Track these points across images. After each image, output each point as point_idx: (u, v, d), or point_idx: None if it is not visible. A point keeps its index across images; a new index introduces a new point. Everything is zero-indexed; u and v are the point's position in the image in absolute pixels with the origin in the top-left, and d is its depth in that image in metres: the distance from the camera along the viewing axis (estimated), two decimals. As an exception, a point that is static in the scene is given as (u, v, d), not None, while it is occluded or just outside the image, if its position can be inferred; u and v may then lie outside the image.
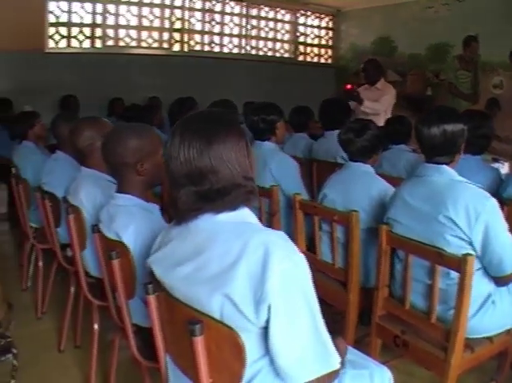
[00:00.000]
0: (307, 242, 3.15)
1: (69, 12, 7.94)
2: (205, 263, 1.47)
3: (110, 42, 8.29)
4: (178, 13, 8.84)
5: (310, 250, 3.11)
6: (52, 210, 3.28)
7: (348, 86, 6.11)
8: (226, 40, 9.49)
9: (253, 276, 1.37)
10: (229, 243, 1.44)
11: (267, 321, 1.39)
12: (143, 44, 8.57)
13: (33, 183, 3.96)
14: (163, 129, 5.48)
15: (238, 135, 1.53)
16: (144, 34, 8.59)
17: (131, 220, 2.16)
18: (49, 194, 3.33)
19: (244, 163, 1.52)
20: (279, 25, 10.11)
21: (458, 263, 2.14)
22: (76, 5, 7.98)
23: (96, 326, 2.89)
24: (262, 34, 9.91)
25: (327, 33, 10.69)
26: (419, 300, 2.47)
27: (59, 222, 3.33)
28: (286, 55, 10.27)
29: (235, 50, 9.60)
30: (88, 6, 8.04)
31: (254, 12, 9.69)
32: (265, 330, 1.42)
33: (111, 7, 8.21)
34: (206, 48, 9.29)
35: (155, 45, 8.69)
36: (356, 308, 2.84)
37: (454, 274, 2.25)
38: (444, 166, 2.43)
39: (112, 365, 2.71)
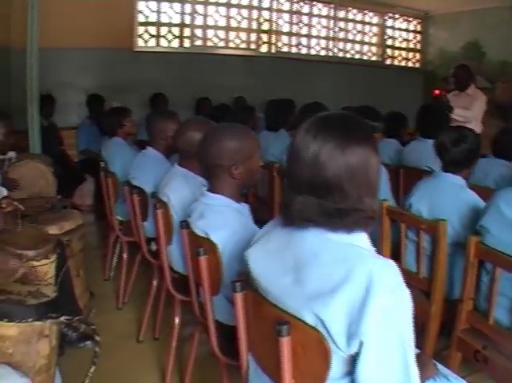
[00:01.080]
0: (392, 249, 3.07)
1: (158, 12, 8.13)
2: (305, 280, 1.41)
3: (198, 42, 8.42)
4: (266, 14, 8.88)
5: (394, 257, 3.05)
6: (139, 204, 3.37)
7: (437, 92, 5.96)
8: (313, 42, 9.42)
9: (351, 307, 1.30)
10: (333, 266, 1.36)
11: (356, 354, 1.33)
12: (231, 44, 8.66)
13: (121, 178, 4.09)
14: (257, 131, 5.43)
15: (374, 150, 1.44)
16: (232, 35, 8.68)
17: (222, 222, 2.16)
18: (137, 188, 3.43)
19: (374, 182, 1.45)
20: (367, 27, 9.97)
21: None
22: (165, 5, 8.16)
23: (177, 320, 2.95)
24: (350, 37, 9.79)
25: (415, 37, 10.45)
26: (504, 315, 2.40)
27: (145, 216, 3.42)
28: (374, 58, 10.10)
29: (322, 52, 9.51)
30: (177, 6, 8.20)
31: (341, 14, 9.59)
32: (353, 357, 1.36)
33: (199, 7, 8.34)
34: (294, 49, 9.26)
35: (243, 45, 8.76)
36: (438, 320, 2.74)
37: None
38: None
39: (190, 358, 2.76)
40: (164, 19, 8.19)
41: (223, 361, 2.23)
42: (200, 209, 2.28)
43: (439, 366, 1.80)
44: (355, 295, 1.30)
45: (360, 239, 1.43)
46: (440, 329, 2.80)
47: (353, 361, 1.35)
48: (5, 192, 2.66)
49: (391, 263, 1.36)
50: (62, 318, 1.98)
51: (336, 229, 1.40)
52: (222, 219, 2.18)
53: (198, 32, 8.41)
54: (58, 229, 3.23)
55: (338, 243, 1.40)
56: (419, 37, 10.45)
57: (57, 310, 1.96)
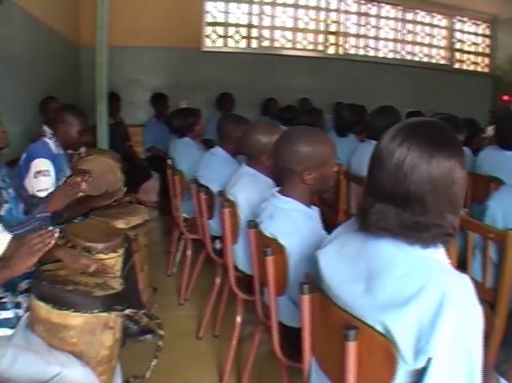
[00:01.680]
0: (459, 257, 3.00)
1: (226, 12, 8.24)
2: (376, 290, 1.39)
3: (265, 43, 8.48)
4: (333, 15, 8.85)
5: (461, 266, 2.97)
6: (205, 202, 3.40)
7: (505, 98, 5.79)
8: (381, 44, 9.34)
9: (422, 322, 1.27)
10: (406, 279, 1.32)
11: (423, 368, 1.29)
12: (298, 46, 8.67)
13: (188, 176, 4.13)
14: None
15: (461, 163, 1.37)
16: (299, 36, 8.68)
17: (291, 228, 2.14)
18: (204, 187, 3.46)
19: (458, 198, 1.39)
20: (435, 30, 9.79)
21: None
22: (232, 6, 8.27)
23: (238, 319, 2.96)
24: (418, 39, 9.65)
25: (483, 41, 10.21)
26: None
27: (211, 214, 3.46)
28: (442, 61, 9.90)
29: (390, 55, 9.42)
30: (245, 7, 8.29)
31: (409, 16, 9.47)
32: (418, 370, 1.32)
33: (267, 8, 8.40)
34: (361, 51, 9.20)
35: (310, 47, 8.75)
36: (501, 333, 2.64)
37: None
38: None
39: (250, 358, 2.76)
40: (232, 20, 8.30)
41: (284, 363, 2.22)
42: (270, 210, 2.27)
43: (501, 381, 1.72)
44: (427, 310, 1.27)
45: (436, 253, 1.38)
46: (502, 341, 2.71)
47: (419, 374, 1.32)
48: (84, 185, 2.71)
49: (466, 279, 1.31)
50: (127, 311, 2.00)
51: (412, 242, 1.35)
52: (291, 225, 2.16)
53: (266, 33, 8.46)
54: (125, 224, 3.28)
55: (413, 256, 1.36)
56: (487, 41, 10.20)
57: (122, 303, 1.98)
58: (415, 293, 1.29)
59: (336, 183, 4.16)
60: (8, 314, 2.09)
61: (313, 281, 1.68)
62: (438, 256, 1.38)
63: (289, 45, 8.61)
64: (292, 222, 2.16)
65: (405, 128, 1.40)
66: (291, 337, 2.17)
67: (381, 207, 1.38)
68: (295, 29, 8.64)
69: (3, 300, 2.11)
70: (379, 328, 1.35)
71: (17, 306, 2.15)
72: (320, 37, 8.83)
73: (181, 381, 3.04)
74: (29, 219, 2.65)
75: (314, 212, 2.26)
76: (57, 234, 1.97)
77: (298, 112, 5.88)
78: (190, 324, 3.70)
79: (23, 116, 4.35)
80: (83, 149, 4.46)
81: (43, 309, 1.90)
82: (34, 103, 4.79)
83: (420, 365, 1.29)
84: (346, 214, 3.77)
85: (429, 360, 1.27)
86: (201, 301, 3.92)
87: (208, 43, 8.17)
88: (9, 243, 2.28)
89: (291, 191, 2.22)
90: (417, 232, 1.34)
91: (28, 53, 4.48)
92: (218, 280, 3.49)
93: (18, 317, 2.11)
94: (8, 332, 2.04)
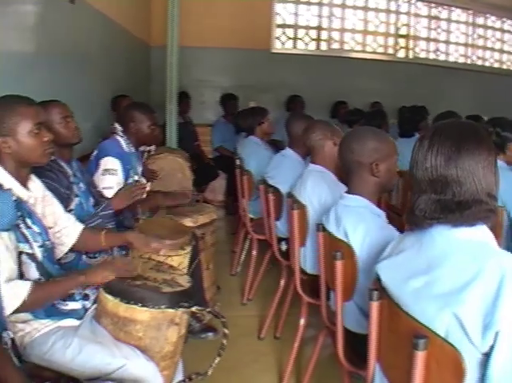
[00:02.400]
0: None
1: (296, 14, 8.20)
2: (437, 280, 1.43)
3: (335, 45, 8.38)
4: (403, 18, 8.67)
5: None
6: (274, 203, 3.38)
7: None
8: (451, 48, 9.08)
9: (485, 300, 1.31)
10: (464, 264, 1.38)
11: (491, 347, 1.31)
12: (368, 48, 8.54)
13: (255, 176, 4.14)
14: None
15: (489, 149, 1.48)
16: (369, 39, 8.56)
17: (360, 220, 2.16)
18: (272, 187, 3.44)
19: (490, 179, 1.47)
20: (506, 35, 9.44)
21: None
22: (302, 8, 8.21)
23: (302, 321, 2.94)
24: (489, 44, 9.34)
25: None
26: None
27: (279, 215, 3.44)
28: (514, 68, 9.53)
29: (461, 60, 9.14)
30: (314, 9, 8.22)
31: (480, 21, 9.17)
32: (485, 357, 1.33)
33: (337, 11, 8.30)
34: (432, 56, 8.98)
35: (380, 50, 8.61)
36: None
37: None
38: None
39: (311, 361, 2.73)
40: (302, 22, 8.24)
41: (347, 369, 2.19)
42: (339, 211, 2.28)
43: None
44: (489, 288, 1.32)
45: (484, 235, 1.46)
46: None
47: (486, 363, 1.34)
48: (148, 186, 2.77)
49: None
50: (194, 308, 2.00)
51: (458, 223, 1.44)
52: (359, 219, 2.18)
53: (336, 35, 8.37)
54: (193, 222, 3.31)
55: (465, 242, 1.44)
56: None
57: (189, 300, 1.99)
58: (474, 275, 1.34)
59: (403, 187, 4.10)
60: (76, 305, 2.13)
61: (382, 287, 1.66)
62: (484, 234, 1.46)
63: (358, 47, 8.49)
64: (360, 217, 2.18)
65: (432, 130, 1.54)
66: (355, 343, 2.17)
67: (424, 197, 1.49)
68: (365, 32, 8.51)
69: (72, 291, 2.14)
70: (446, 316, 1.37)
71: (85, 297, 2.19)
72: (390, 40, 8.67)
73: (240, 380, 3.04)
74: (92, 216, 2.71)
75: (382, 213, 2.28)
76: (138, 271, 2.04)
77: (365, 114, 5.82)
78: (252, 324, 3.70)
79: (94, 112, 4.44)
80: (152, 147, 4.52)
81: (111, 302, 1.92)
82: (105, 100, 4.89)
83: (489, 343, 1.31)
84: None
85: (497, 334, 1.29)
86: (264, 301, 3.93)
87: (278, 45, 8.15)
88: (80, 233, 2.35)
89: (359, 187, 2.26)
90: (460, 212, 1.43)
91: (100, 51, 4.57)
92: (282, 282, 3.47)
93: (85, 309, 2.16)
94: (75, 323, 2.09)
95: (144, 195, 3.18)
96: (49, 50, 3.20)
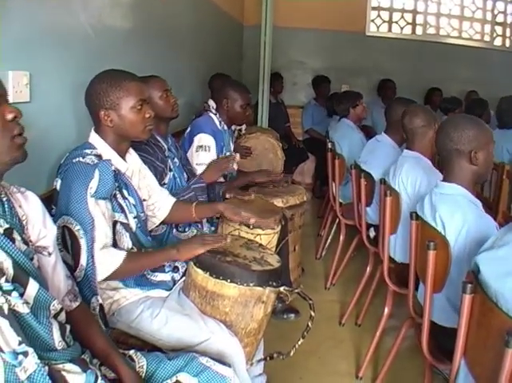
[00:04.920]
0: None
1: (391, -3, 7.98)
2: None
3: (431, 30, 8.10)
4: (500, 5, 8.23)
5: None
6: (365, 188, 3.33)
7: None
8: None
9: None
10: None
11: None
12: (464, 35, 8.20)
13: (347, 160, 4.09)
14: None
15: None
16: (466, 25, 8.20)
17: (457, 208, 2.10)
18: (365, 172, 3.38)
19: None
20: None
21: None
22: (397, -10, 7.97)
23: (386, 311, 2.90)
24: None
25: None
26: None
27: (370, 201, 3.39)
28: None
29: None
30: (410, -8, 7.97)
31: None
32: None
33: (432, -6, 8.03)
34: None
35: (476, 37, 8.24)
36: None
37: None
38: None
39: (392, 351, 2.68)
40: (397, 5, 8.00)
41: (429, 362, 2.15)
42: (434, 200, 2.23)
43: None
44: None
45: None
46: None
47: None
48: (238, 157, 2.79)
49: None
50: (282, 288, 2.00)
51: None
52: (456, 207, 2.12)
53: (432, 20, 8.08)
54: (283, 202, 3.29)
55: None
56: None
57: (277, 280, 1.99)
58: None
59: (497, 180, 3.94)
60: (165, 277, 2.18)
61: (475, 280, 1.61)
62: None
63: (454, 33, 8.17)
64: (457, 204, 2.13)
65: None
66: (439, 336, 2.13)
67: None
68: (461, 18, 8.17)
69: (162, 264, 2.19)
70: None
71: (175, 270, 2.24)
72: (487, 28, 8.26)
73: (318, 364, 3.04)
74: (185, 189, 2.77)
75: (478, 202, 2.21)
76: (228, 240, 2.06)
77: (463, 103, 5.62)
78: (333, 309, 3.69)
79: (187, 89, 4.49)
80: (244, 126, 4.54)
81: (200, 276, 1.95)
82: (197, 77, 4.93)
83: None
84: (505, 216, 3.53)
85: None
86: (347, 287, 3.92)
87: (373, 28, 7.96)
88: (172, 206, 2.39)
89: (456, 176, 2.21)
90: None
91: (193, 29, 4.61)
92: (368, 269, 3.43)
93: (174, 281, 2.20)
94: (163, 294, 2.13)
95: (235, 167, 3.17)
96: (144, 27, 3.25)
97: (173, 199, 2.43)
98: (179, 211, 2.43)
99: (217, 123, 3.39)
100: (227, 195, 2.88)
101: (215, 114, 3.41)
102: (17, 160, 1.34)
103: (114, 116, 2.01)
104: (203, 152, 3.20)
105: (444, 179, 2.26)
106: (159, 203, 2.36)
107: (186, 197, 2.71)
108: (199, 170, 3.13)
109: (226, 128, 3.44)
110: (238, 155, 2.82)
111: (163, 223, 2.44)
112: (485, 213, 2.15)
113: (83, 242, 1.81)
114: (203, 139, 3.23)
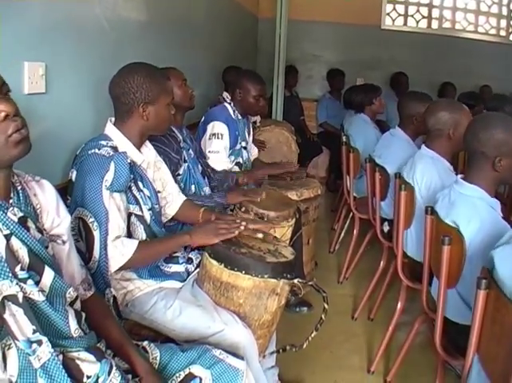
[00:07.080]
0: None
1: (407, -10, 7.90)
2: None
3: (446, 24, 8.01)
4: (516, 0, 8.13)
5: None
6: (379, 183, 3.31)
7: None
8: None
9: None
10: None
11: None
12: (480, 29, 8.09)
13: (362, 154, 4.05)
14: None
15: None
16: (481, 19, 8.09)
17: (474, 214, 2.06)
18: (379, 167, 3.36)
19: None
20: None
21: None
22: (414, -16, 7.90)
23: (399, 305, 2.88)
24: None
25: None
26: None
27: (384, 196, 3.37)
28: None
29: None
30: (426, -14, 7.89)
31: None
32: None
33: (448, -12, 7.94)
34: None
35: (492, 31, 8.13)
36: None
37: None
38: None
39: (404, 346, 2.67)
40: (413, -2, 7.92)
41: (442, 357, 2.14)
42: (453, 197, 2.19)
43: None
44: None
45: None
46: None
47: None
48: (264, 195, 2.79)
49: None
50: (296, 280, 2.00)
51: None
52: (473, 212, 2.07)
53: (447, 14, 7.99)
54: (297, 195, 3.29)
55: None
56: None
57: (291, 272, 1.99)
58: None
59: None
60: (179, 268, 2.19)
61: (489, 276, 1.60)
62: None
63: (471, 27, 8.07)
64: (475, 209, 2.08)
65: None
66: (452, 332, 2.12)
67: None
68: (477, 12, 8.06)
69: (176, 254, 2.21)
70: None
71: (189, 261, 2.25)
72: (503, 23, 8.13)
73: (330, 357, 3.04)
74: (208, 197, 2.78)
75: (496, 203, 2.15)
76: (242, 227, 2.03)
77: (482, 98, 5.54)
78: (346, 303, 3.69)
79: (202, 81, 4.49)
80: (258, 118, 4.54)
81: (215, 267, 1.95)
82: (213, 69, 4.93)
83: None
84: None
85: None
86: (359, 282, 3.91)
87: (388, 21, 7.89)
88: (182, 204, 2.40)
89: (477, 178, 2.13)
90: None
91: (210, 22, 4.60)
92: (382, 263, 3.41)
93: (188, 273, 2.21)
94: (177, 285, 2.14)
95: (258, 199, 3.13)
96: (160, 20, 3.26)
97: (183, 197, 2.44)
98: (187, 210, 2.43)
99: (231, 112, 3.40)
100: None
101: (229, 103, 3.42)
102: (16, 157, 1.30)
103: (151, 110, 2.04)
104: (216, 139, 3.22)
105: (465, 177, 2.19)
106: (171, 197, 2.37)
107: (207, 205, 2.69)
108: (212, 157, 3.17)
109: (240, 117, 3.45)
110: (264, 194, 2.83)
111: (172, 219, 2.45)
112: (501, 219, 2.11)
113: (96, 235, 1.83)
114: (216, 126, 3.25)
